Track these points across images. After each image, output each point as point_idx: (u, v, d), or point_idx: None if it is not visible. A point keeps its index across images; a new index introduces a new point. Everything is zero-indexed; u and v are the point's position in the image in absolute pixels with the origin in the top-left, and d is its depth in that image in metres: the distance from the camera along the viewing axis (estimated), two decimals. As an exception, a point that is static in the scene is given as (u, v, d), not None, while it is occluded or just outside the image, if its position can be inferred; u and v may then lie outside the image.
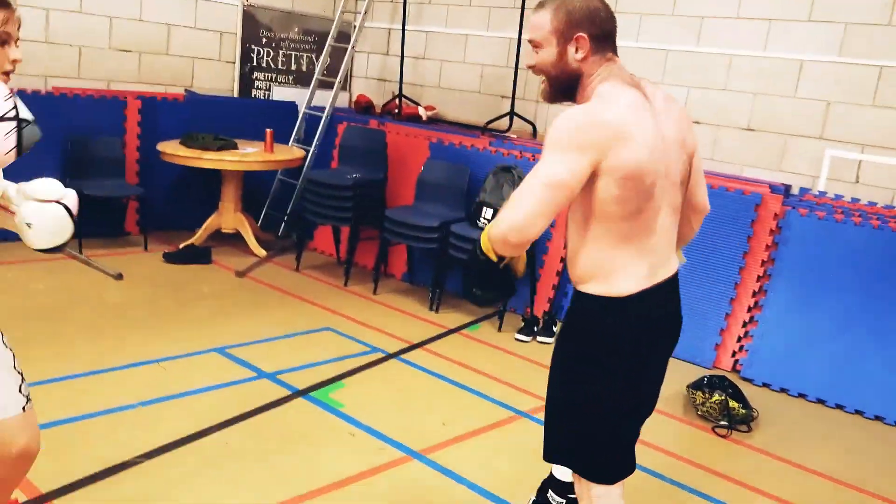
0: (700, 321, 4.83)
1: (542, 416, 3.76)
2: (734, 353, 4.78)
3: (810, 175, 5.08)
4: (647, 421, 2.24)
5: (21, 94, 5.36)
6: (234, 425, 3.44)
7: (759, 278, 4.79)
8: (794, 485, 3.49)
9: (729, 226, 4.85)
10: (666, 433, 3.79)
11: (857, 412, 4.34)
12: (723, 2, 5.34)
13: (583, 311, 2.10)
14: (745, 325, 4.79)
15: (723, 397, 3.93)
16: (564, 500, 2.74)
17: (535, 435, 3.52)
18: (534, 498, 2.89)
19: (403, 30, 6.83)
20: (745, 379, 4.62)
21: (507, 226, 1.88)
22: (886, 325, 4.36)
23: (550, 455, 2.23)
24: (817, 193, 4.90)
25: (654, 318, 2.10)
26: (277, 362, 4.13)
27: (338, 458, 3.28)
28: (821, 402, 4.43)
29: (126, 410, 3.45)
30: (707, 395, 3.99)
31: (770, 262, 4.78)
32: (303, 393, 3.82)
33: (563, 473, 2.73)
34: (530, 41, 2.05)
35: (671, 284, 2.14)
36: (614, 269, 2.02)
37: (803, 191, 5.00)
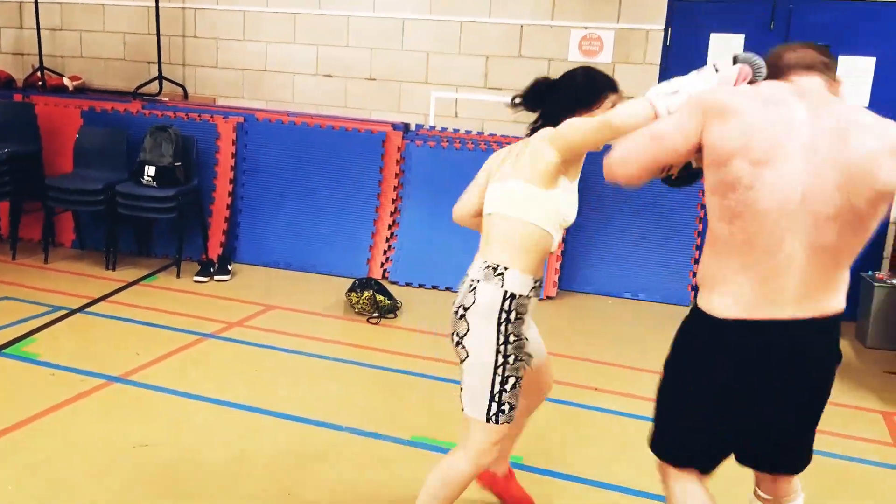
0: (351, 242, 5.78)
1: (227, 334, 4.39)
2: (382, 264, 5.81)
3: (423, 114, 6.23)
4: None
5: None
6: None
7: (393, 201, 5.85)
8: (437, 348, 4.56)
9: (363, 161, 5.83)
10: (334, 330, 4.66)
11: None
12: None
13: (687, 320, 1.99)
14: (388, 239, 5.83)
15: (370, 293, 4.89)
16: None
17: (221, 349, 4.18)
18: None
19: (36, 2, 6.76)
20: (393, 282, 5.67)
21: (607, 160, 1.96)
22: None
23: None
24: (429, 128, 6.05)
25: (757, 358, 1.86)
26: (-41, 331, 4.26)
27: (41, 393, 3.64)
28: (449, 289, 5.63)
29: None
30: (359, 295, 4.93)
31: (400, 186, 5.85)
32: (-5, 350, 4.06)
33: None
34: None
35: (806, 327, 1.85)
36: (714, 280, 1.88)
37: (418, 127, 6.13)
